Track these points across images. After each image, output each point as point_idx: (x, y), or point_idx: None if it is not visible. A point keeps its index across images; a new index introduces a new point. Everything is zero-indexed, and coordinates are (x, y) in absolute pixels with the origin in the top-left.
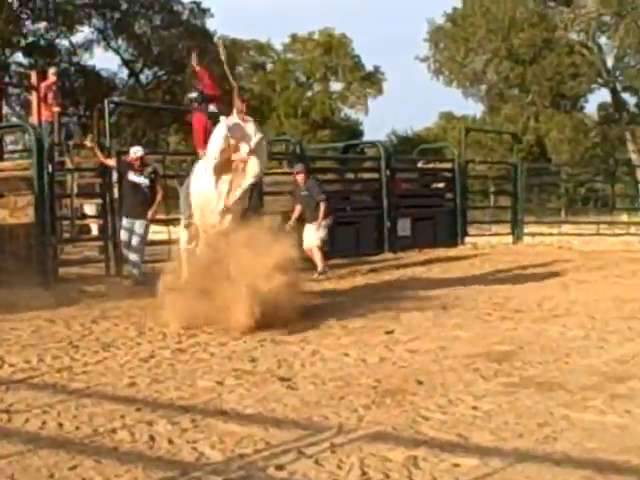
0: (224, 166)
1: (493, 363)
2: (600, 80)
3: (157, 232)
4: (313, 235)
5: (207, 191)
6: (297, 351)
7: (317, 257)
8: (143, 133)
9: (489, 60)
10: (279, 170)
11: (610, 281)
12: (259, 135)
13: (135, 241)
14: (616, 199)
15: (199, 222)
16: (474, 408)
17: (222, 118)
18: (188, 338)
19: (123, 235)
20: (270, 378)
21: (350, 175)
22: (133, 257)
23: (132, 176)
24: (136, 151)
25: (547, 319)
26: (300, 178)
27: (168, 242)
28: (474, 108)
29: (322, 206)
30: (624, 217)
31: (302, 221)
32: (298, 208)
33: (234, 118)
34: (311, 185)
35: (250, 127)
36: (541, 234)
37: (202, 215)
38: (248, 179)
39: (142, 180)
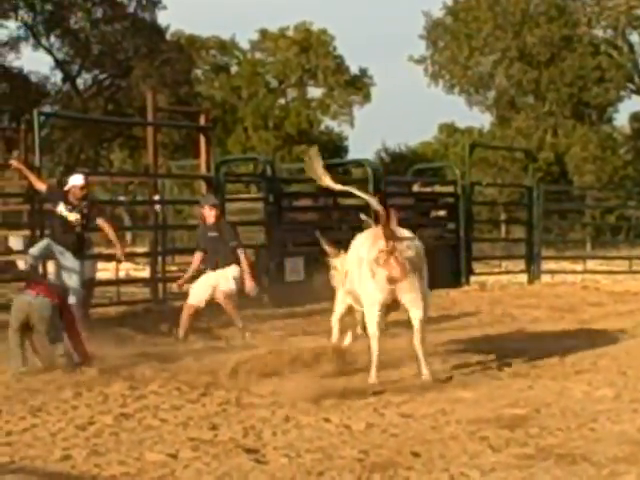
0: None
1: (504, 430)
2: (631, 85)
3: (102, 270)
4: (224, 283)
5: None
6: (267, 416)
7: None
8: (80, 149)
9: (498, 61)
10: (245, 195)
11: None
12: None
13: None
14: None
15: None
16: None
17: None
18: (134, 401)
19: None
20: (234, 449)
21: (331, 201)
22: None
23: (62, 208)
24: (77, 180)
25: (569, 376)
26: (211, 215)
27: (116, 282)
28: (480, 119)
29: (241, 255)
30: None
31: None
32: (197, 256)
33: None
34: (224, 226)
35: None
36: (562, 271)
37: None
38: None
39: (73, 216)
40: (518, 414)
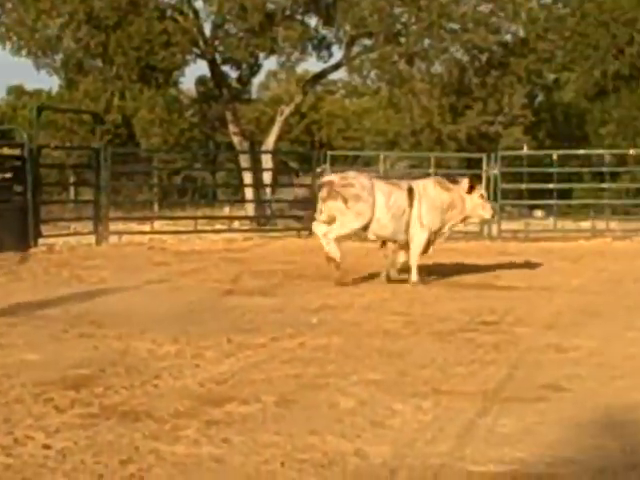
0: None
1: (69, 391)
2: (197, 50)
3: None
4: None
5: None
6: None
7: None
8: None
9: (65, 24)
10: None
11: (207, 287)
12: None
13: None
14: (217, 190)
15: None
16: (46, 447)
17: None
18: None
19: None
20: None
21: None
22: None
23: None
24: None
25: (134, 335)
26: None
27: None
28: (49, 82)
29: None
30: (227, 210)
31: None
32: None
33: None
34: None
35: None
36: (130, 232)
37: None
38: None
39: None
40: (83, 374)
